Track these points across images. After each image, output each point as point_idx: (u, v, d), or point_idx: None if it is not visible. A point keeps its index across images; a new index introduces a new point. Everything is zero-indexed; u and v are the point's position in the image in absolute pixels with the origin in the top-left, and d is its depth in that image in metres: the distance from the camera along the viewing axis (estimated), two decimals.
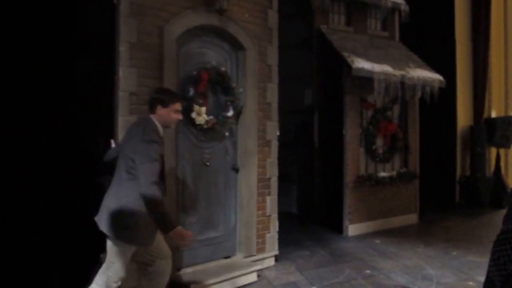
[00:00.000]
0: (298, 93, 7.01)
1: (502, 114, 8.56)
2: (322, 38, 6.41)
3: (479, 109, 8.22)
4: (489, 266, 1.53)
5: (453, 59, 7.99)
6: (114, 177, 2.78)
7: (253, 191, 4.51)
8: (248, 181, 4.48)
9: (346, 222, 6.01)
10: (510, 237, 1.46)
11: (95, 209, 2.73)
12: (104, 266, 2.79)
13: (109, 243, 2.73)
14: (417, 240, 5.69)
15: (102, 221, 2.68)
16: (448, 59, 7.85)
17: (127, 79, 3.58)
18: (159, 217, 2.55)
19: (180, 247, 2.76)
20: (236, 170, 4.45)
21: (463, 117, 8.27)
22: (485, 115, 8.33)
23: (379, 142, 6.44)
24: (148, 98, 2.97)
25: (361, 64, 5.75)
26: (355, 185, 6.07)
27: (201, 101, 4.04)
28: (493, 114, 8.48)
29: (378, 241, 5.67)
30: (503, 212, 1.55)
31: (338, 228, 6.09)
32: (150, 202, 2.51)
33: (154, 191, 2.50)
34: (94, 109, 4.15)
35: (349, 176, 6.02)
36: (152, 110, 2.83)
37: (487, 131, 8.13)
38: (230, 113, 4.24)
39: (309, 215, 6.90)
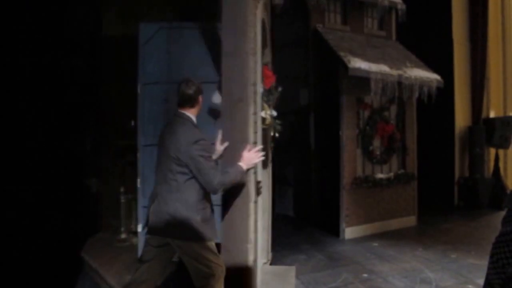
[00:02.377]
0: (293, 93, 6.93)
1: (501, 114, 8.48)
2: (318, 37, 6.33)
3: (478, 109, 8.14)
4: (488, 268, 1.48)
5: (451, 58, 7.91)
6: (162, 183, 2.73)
7: (270, 193, 4.46)
8: (268, 183, 4.41)
9: (343, 224, 5.91)
10: (509, 239, 1.39)
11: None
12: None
13: (191, 251, 2.68)
14: (416, 242, 5.60)
15: (175, 232, 2.66)
16: (445, 58, 7.78)
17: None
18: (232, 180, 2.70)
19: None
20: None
21: (462, 117, 8.19)
22: (484, 115, 8.25)
23: (376, 143, 6.35)
24: (184, 93, 2.77)
25: (358, 63, 5.67)
26: (352, 187, 5.97)
27: (266, 99, 3.88)
28: (492, 114, 8.40)
29: (376, 244, 5.58)
30: (503, 213, 1.50)
31: (335, 231, 5.99)
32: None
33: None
34: (79, 110, 4.05)
35: (346, 178, 5.93)
36: (193, 104, 2.79)
37: (486, 131, 8.04)
38: (275, 113, 4.12)
39: (306, 217, 6.81)
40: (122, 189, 5.16)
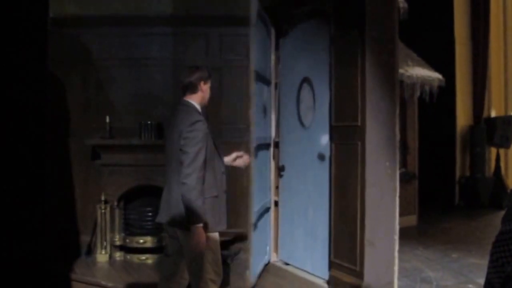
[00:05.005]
0: None
1: (502, 113, 8.45)
2: None
3: (479, 109, 8.11)
4: (488, 268, 1.46)
5: (452, 57, 7.88)
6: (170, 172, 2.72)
7: None
8: None
9: None
10: (508, 238, 1.38)
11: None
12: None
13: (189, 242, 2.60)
14: (416, 242, 5.57)
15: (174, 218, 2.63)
16: (447, 57, 7.74)
17: None
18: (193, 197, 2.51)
19: (195, 249, 2.58)
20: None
21: (463, 116, 8.16)
22: (485, 114, 8.22)
23: None
24: (185, 80, 2.76)
25: None
26: None
27: None
28: (493, 114, 8.36)
29: None
30: (503, 213, 1.48)
31: None
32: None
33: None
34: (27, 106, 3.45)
35: None
36: (193, 90, 2.75)
37: (487, 131, 8.02)
38: None
39: None
40: (102, 197, 4.48)
